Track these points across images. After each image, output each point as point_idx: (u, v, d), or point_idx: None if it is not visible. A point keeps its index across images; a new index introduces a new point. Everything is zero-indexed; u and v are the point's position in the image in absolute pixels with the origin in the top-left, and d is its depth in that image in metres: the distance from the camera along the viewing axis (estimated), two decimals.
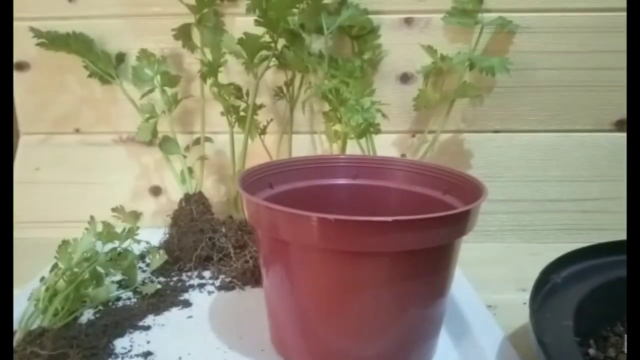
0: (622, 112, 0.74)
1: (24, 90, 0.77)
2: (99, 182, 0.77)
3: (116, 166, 0.78)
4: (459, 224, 0.42)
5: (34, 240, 0.71)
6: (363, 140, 0.69)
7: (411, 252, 0.41)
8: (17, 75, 0.76)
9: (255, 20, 0.64)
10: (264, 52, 0.67)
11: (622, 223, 0.74)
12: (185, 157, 0.71)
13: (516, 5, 0.71)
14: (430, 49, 0.71)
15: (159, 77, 0.71)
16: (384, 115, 0.68)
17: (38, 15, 0.74)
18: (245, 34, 0.65)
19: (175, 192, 0.76)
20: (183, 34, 0.73)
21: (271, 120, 0.74)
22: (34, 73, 0.76)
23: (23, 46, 0.74)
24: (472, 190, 0.48)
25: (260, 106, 0.71)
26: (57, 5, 0.73)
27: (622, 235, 0.72)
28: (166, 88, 0.71)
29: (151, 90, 0.71)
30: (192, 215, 0.68)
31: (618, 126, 0.75)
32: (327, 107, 0.72)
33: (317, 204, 0.51)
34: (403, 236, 0.39)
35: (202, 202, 0.69)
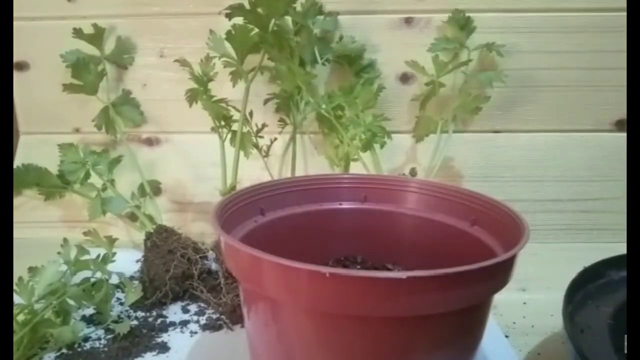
0: (622, 112, 0.74)
1: (24, 90, 0.77)
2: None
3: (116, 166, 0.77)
4: (499, 275, 0.33)
5: (34, 240, 0.71)
6: (367, 155, 0.68)
7: (430, 316, 0.31)
8: (17, 75, 0.76)
9: (244, 18, 0.61)
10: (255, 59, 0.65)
11: (622, 223, 0.74)
12: (139, 207, 0.71)
13: (517, 5, 0.71)
14: (422, 70, 0.69)
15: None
16: (388, 135, 0.67)
17: (38, 14, 0.74)
18: (233, 26, 0.62)
19: (172, 192, 0.77)
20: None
21: (275, 139, 0.71)
22: (34, 73, 0.76)
23: (23, 46, 0.74)
24: (505, 223, 0.40)
25: (263, 126, 0.68)
26: (56, 4, 0.73)
27: (622, 236, 0.72)
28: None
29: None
30: (155, 244, 0.62)
31: (618, 126, 0.74)
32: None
33: (317, 233, 0.45)
34: (421, 298, 0.30)
35: (164, 230, 0.64)
